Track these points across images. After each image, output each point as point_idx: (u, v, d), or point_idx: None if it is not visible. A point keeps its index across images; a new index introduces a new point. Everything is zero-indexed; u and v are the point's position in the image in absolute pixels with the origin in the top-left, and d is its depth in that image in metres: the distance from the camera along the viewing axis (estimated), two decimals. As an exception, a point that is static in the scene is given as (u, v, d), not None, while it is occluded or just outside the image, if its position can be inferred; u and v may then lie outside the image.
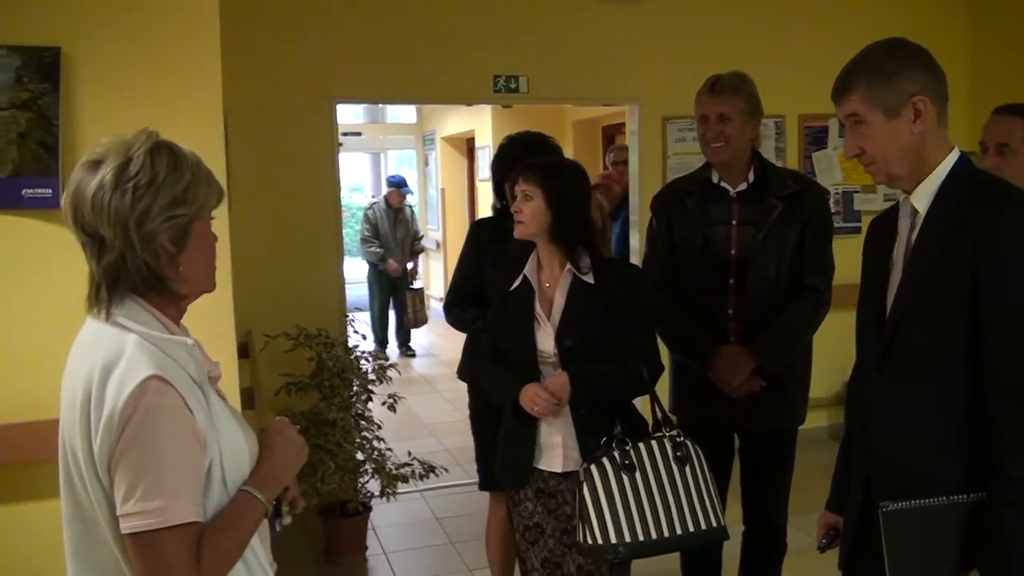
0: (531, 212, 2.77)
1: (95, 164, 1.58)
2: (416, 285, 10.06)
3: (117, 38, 2.88)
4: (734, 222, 3.22)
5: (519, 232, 2.81)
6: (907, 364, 2.03)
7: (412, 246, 9.95)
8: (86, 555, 1.59)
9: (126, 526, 1.47)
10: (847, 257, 2.66)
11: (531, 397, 2.72)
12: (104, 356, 1.53)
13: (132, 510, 1.46)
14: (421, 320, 9.91)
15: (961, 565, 1.93)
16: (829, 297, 3.23)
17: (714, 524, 2.70)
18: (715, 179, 3.28)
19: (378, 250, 9.66)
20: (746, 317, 3.20)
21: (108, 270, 1.58)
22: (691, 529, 2.66)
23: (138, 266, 1.57)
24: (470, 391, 3.68)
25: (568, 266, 2.80)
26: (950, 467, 1.97)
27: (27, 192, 2.75)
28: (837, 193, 6.36)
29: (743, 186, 3.24)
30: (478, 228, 3.72)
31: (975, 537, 1.91)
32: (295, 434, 1.78)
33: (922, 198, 2.03)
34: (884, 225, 2.21)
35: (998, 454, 1.88)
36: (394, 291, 9.90)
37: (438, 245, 12.41)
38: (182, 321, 1.72)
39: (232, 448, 1.63)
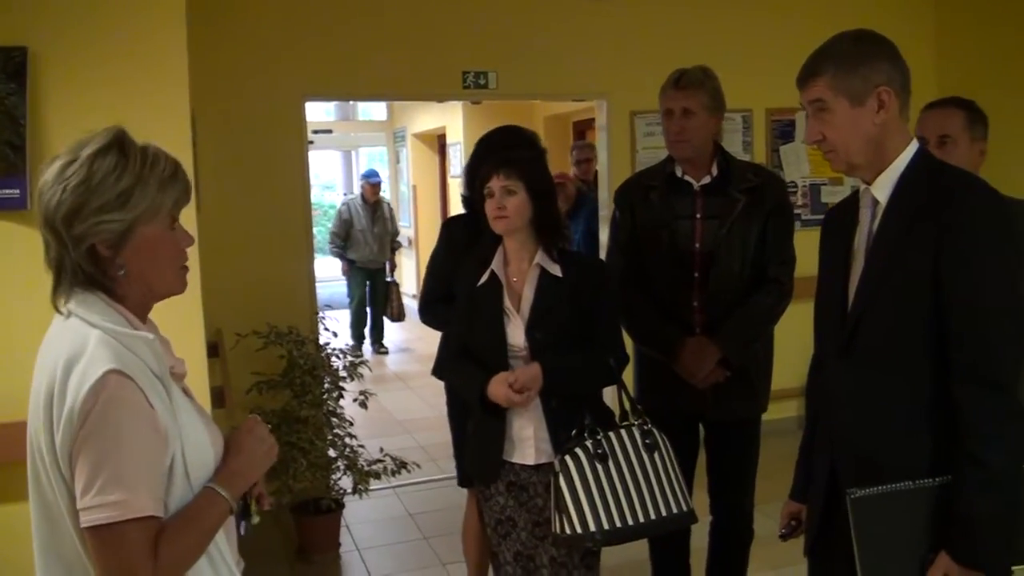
0: (515, 206, 2.78)
1: (54, 161, 1.59)
2: (393, 278, 10.05)
3: (84, 37, 2.88)
4: (698, 216, 3.26)
5: (504, 227, 2.80)
6: (870, 352, 2.06)
7: (392, 244, 9.92)
8: (52, 550, 1.59)
9: (85, 519, 1.47)
10: (814, 249, 2.67)
11: (499, 386, 2.73)
12: (68, 351, 1.53)
13: (91, 503, 1.47)
14: (402, 314, 9.90)
15: (929, 548, 1.96)
16: (791, 288, 3.28)
17: (684, 508, 2.76)
18: (679, 173, 3.31)
19: (339, 250, 9.69)
20: (711, 309, 3.24)
21: (52, 266, 1.60)
22: (663, 513, 2.71)
23: (74, 266, 1.57)
24: (447, 388, 3.69)
25: (536, 259, 2.82)
26: (915, 452, 2.00)
27: (-6, 192, 2.75)
28: (805, 186, 6.42)
29: (706, 180, 3.28)
30: (451, 225, 3.69)
31: (942, 520, 1.95)
32: (266, 433, 1.78)
33: (883, 188, 2.06)
34: (842, 215, 2.24)
35: (963, 437, 1.91)
36: (372, 287, 9.86)
37: (410, 242, 12.40)
38: (151, 317, 1.72)
39: (195, 443, 1.63)
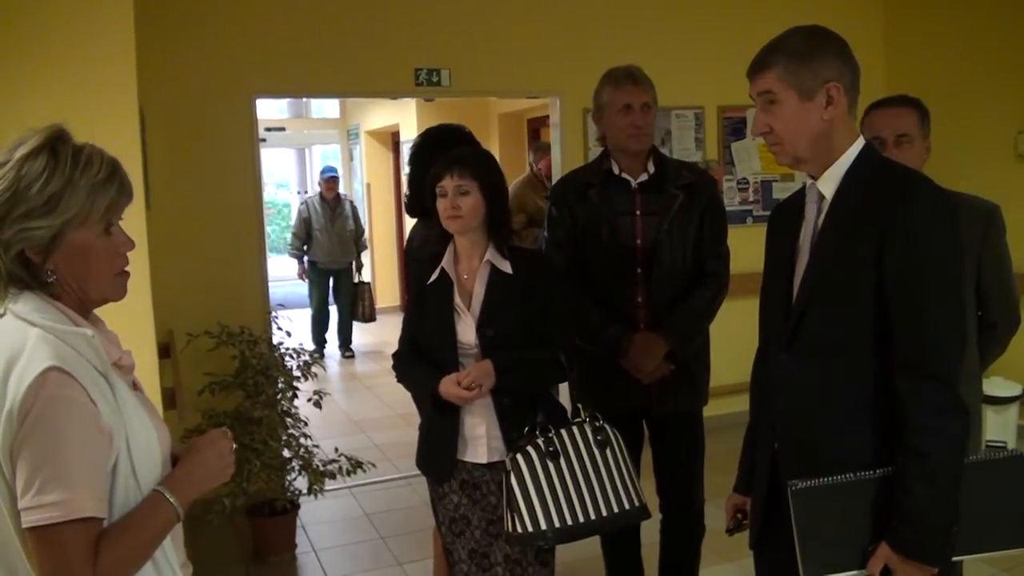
0: (470, 206, 2.77)
1: None
2: (362, 279, 9.74)
3: (30, 33, 2.83)
4: (638, 212, 3.30)
5: (458, 227, 2.80)
6: (814, 345, 2.08)
7: (358, 245, 9.63)
8: None
9: (25, 520, 1.45)
10: (763, 246, 2.70)
11: (450, 385, 2.73)
12: (7, 350, 1.51)
13: (30, 504, 1.45)
14: (372, 314, 9.71)
15: (870, 539, 1.98)
16: (727, 282, 3.37)
17: (636, 504, 2.78)
18: (616, 170, 3.35)
19: (296, 251, 9.44)
20: (654, 304, 3.28)
21: None
22: (615, 510, 2.74)
23: (6, 270, 1.55)
24: None
25: (487, 257, 2.82)
26: (857, 444, 2.03)
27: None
28: (756, 182, 6.49)
29: (643, 177, 3.33)
30: (417, 256, 3.36)
31: (883, 511, 1.97)
32: (227, 450, 1.75)
33: (828, 183, 2.09)
34: (789, 210, 2.26)
35: (904, 429, 1.94)
36: (336, 288, 9.57)
37: (366, 243, 12.31)
38: (97, 312, 1.69)
39: (141, 440, 1.61)
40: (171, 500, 1.61)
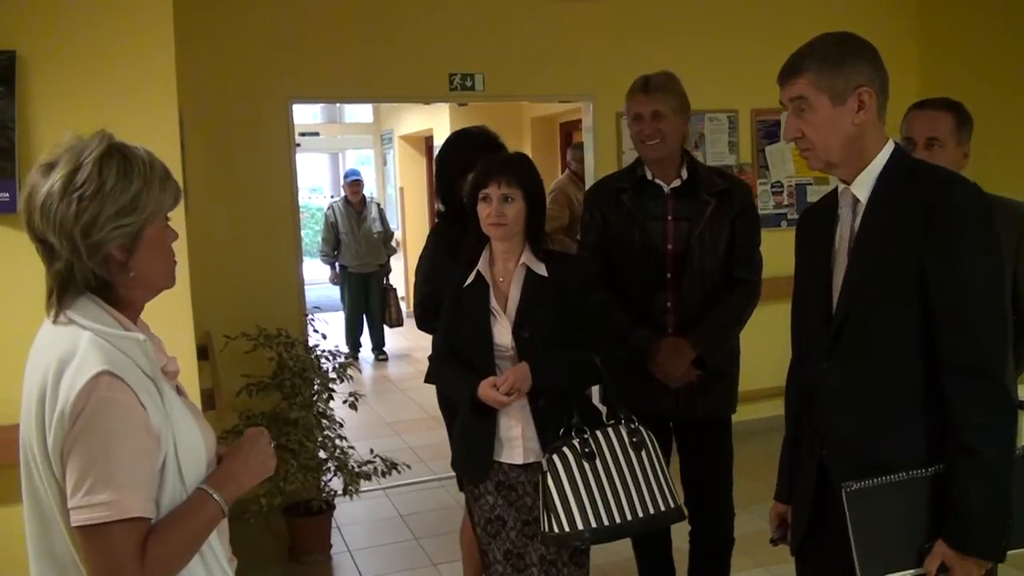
0: (515, 214, 2.79)
1: (48, 168, 1.59)
2: (388, 282, 9.73)
3: (71, 40, 2.89)
4: (669, 217, 3.31)
5: (502, 234, 2.81)
6: (859, 349, 2.08)
7: (387, 247, 9.63)
8: (46, 551, 1.61)
9: (75, 519, 1.49)
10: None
11: (488, 390, 2.75)
12: (59, 353, 1.55)
13: (80, 503, 1.48)
14: (400, 319, 9.70)
15: (926, 537, 2.00)
16: (759, 290, 3.37)
17: (672, 505, 2.79)
18: (649, 176, 3.36)
19: (327, 256, 9.45)
20: (683, 309, 3.28)
21: (57, 277, 1.60)
22: (651, 511, 2.74)
23: (85, 274, 1.59)
24: (439, 391, 3.67)
25: (522, 259, 2.84)
26: (907, 444, 2.03)
27: (-17, 197, 2.75)
28: (790, 185, 6.46)
29: (676, 183, 3.34)
30: (444, 227, 3.58)
31: (937, 509, 1.98)
32: (267, 445, 1.80)
33: (862, 187, 2.10)
34: (819, 215, 2.27)
35: (954, 427, 1.95)
36: (367, 292, 9.56)
37: (398, 244, 12.38)
38: (142, 317, 1.74)
39: (188, 442, 1.64)
40: (216, 497, 1.64)
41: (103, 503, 1.47)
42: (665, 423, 3.41)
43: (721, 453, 3.43)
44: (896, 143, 2.13)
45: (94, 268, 1.58)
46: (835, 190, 2.22)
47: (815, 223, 2.28)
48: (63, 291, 1.60)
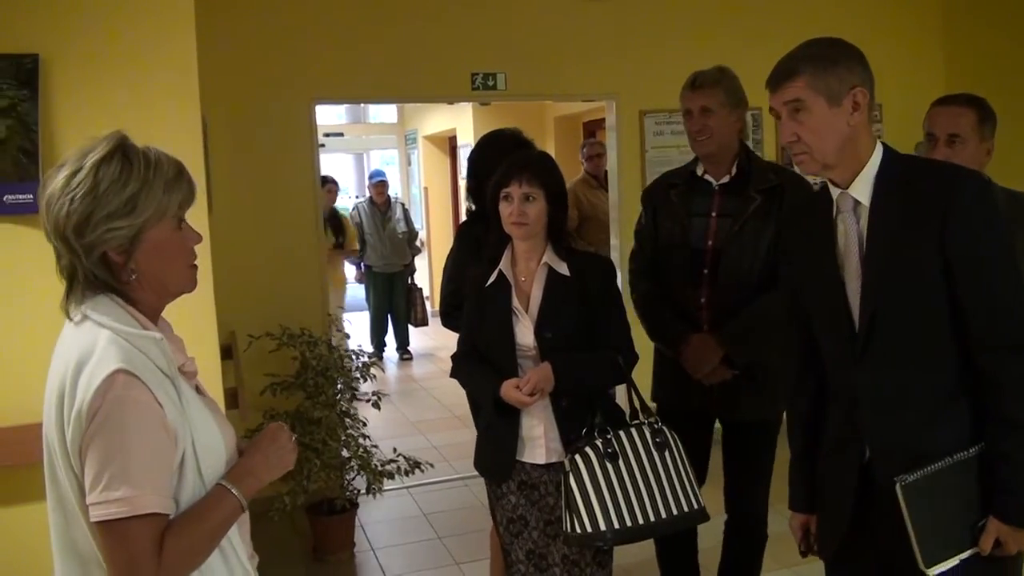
0: (536, 213, 2.79)
1: (59, 169, 1.62)
2: (413, 282, 9.74)
3: (94, 43, 2.90)
4: (713, 214, 3.28)
5: (523, 233, 2.82)
6: (891, 349, 2.08)
7: (411, 247, 9.67)
8: (68, 545, 1.63)
9: (93, 515, 1.51)
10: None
11: (511, 390, 2.74)
12: (78, 352, 1.57)
13: (98, 499, 1.50)
14: (425, 318, 9.72)
15: (979, 516, 2.02)
16: None
17: (695, 506, 2.78)
18: (699, 172, 3.34)
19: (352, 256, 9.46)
20: (717, 307, 3.24)
21: (64, 274, 1.63)
22: (674, 512, 2.74)
23: (86, 273, 1.61)
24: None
25: (544, 259, 2.84)
26: (952, 431, 2.05)
27: (8, 198, 2.78)
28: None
29: (726, 179, 3.30)
30: (469, 227, 3.64)
31: (986, 488, 2.01)
32: (287, 440, 1.81)
33: (862, 190, 2.10)
34: (807, 219, 2.28)
35: (995, 402, 1.99)
36: (392, 292, 9.57)
37: (422, 243, 12.40)
38: (164, 316, 1.75)
39: (206, 440, 1.65)
40: (234, 492, 1.65)
41: (120, 499, 1.49)
42: (704, 422, 3.40)
43: (760, 454, 3.37)
44: (884, 143, 2.14)
45: (92, 268, 1.60)
46: (823, 192, 2.21)
47: (806, 231, 2.28)
48: (70, 288, 1.63)
